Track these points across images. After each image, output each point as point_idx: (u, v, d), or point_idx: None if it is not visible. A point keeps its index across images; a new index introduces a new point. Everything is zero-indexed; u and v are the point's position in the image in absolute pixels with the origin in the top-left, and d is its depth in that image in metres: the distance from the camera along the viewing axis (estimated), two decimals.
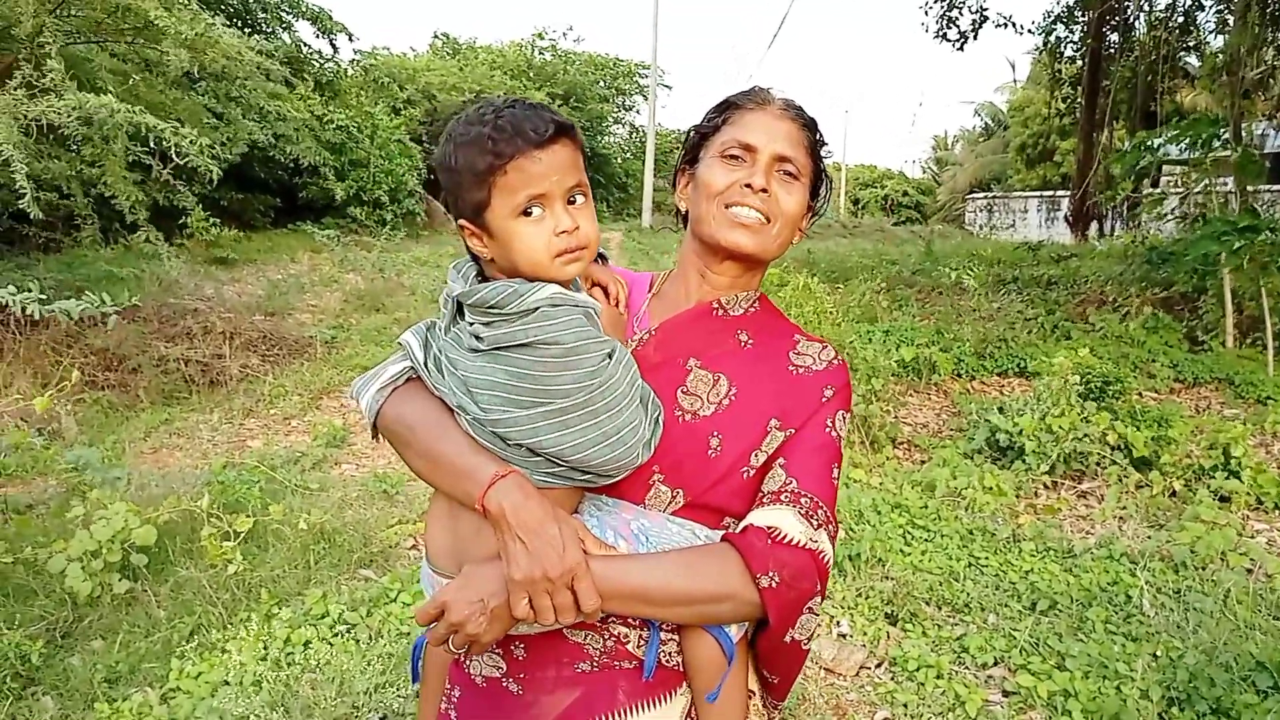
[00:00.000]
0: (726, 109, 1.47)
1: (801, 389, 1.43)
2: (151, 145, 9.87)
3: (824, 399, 1.42)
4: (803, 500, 1.33)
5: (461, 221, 1.29)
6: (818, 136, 1.48)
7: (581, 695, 1.34)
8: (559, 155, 1.24)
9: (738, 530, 1.33)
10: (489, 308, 1.24)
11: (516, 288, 1.24)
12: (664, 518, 1.35)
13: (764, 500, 1.35)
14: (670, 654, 1.37)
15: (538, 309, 1.22)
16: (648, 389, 1.32)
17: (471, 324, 1.28)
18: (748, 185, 1.39)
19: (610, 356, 1.26)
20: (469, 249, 1.33)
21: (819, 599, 1.34)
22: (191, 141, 8.28)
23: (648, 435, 1.28)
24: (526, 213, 1.24)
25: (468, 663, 1.43)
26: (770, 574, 1.27)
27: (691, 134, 1.53)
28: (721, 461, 1.37)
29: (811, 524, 1.32)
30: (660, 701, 1.37)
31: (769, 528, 1.30)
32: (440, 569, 1.35)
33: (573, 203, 1.28)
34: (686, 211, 1.51)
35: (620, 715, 1.34)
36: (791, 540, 1.29)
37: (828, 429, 1.41)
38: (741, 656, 1.40)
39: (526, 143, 1.21)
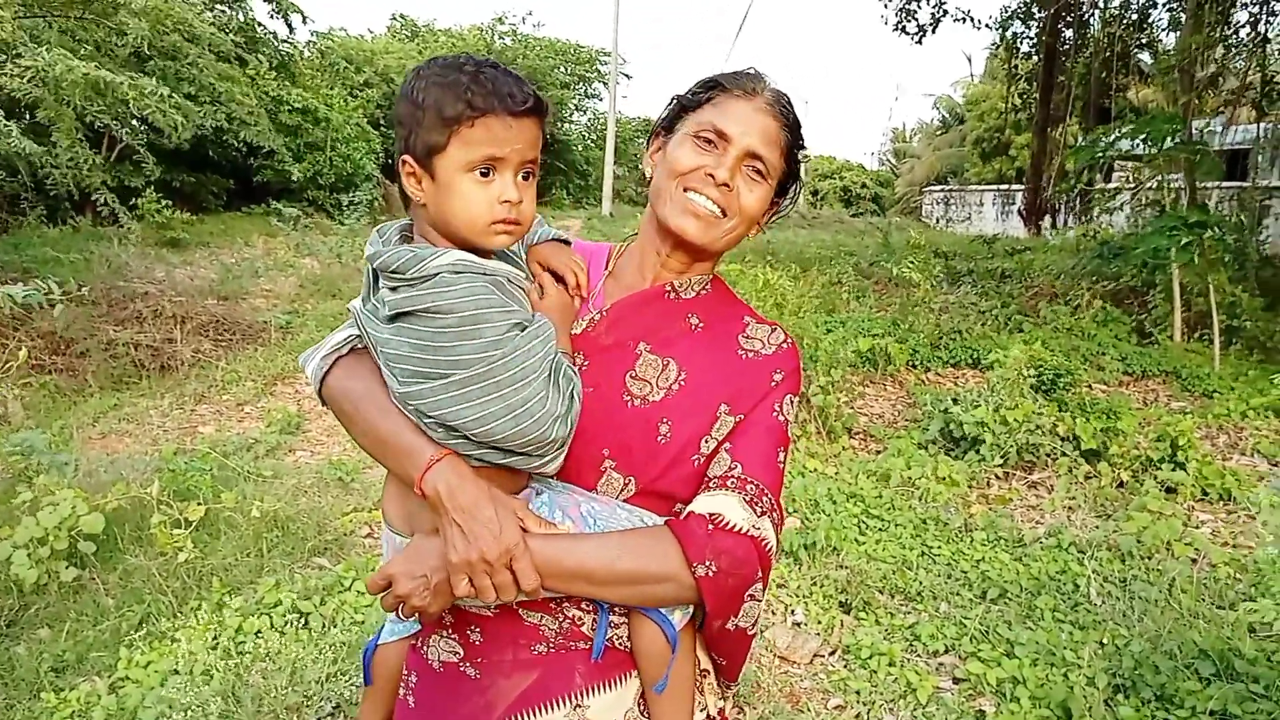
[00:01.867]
0: (714, 88, 1.43)
1: (751, 373, 1.42)
2: (111, 123, 9.68)
3: (773, 383, 1.42)
4: (748, 487, 1.33)
5: (406, 158, 1.26)
6: (797, 138, 1.45)
7: (539, 677, 1.34)
8: (527, 129, 1.25)
9: (682, 517, 1.33)
10: (391, 272, 1.23)
11: (417, 252, 1.22)
12: (614, 503, 1.35)
13: (709, 485, 1.34)
14: (624, 638, 1.37)
15: (437, 275, 1.20)
16: (563, 362, 1.29)
17: (380, 290, 1.27)
18: (710, 175, 1.37)
19: (520, 328, 1.24)
20: (401, 190, 1.30)
21: (760, 586, 1.33)
22: (161, 97, 8.09)
23: (561, 410, 1.24)
24: (478, 171, 1.24)
25: (424, 648, 1.43)
26: (707, 562, 1.27)
27: (673, 102, 1.49)
28: (670, 447, 1.36)
29: (755, 511, 1.31)
30: (616, 683, 1.38)
31: (711, 515, 1.30)
32: (396, 532, 1.36)
33: (523, 179, 1.28)
34: (651, 178, 1.49)
35: (577, 697, 1.34)
36: (734, 527, 1.29)
37: (775, 413, 1.41)
38: (690, 640, 1.40)
39: (502, 105, 1.21)
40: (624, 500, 1.36)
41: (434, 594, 1.24)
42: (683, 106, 1.46)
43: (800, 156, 1.47)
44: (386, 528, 1.40)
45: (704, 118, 1.40)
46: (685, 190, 1.39)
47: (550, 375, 1.24)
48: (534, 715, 1.33)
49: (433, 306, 1.20)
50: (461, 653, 1.38)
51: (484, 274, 1.24)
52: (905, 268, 9.85)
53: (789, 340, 1.49)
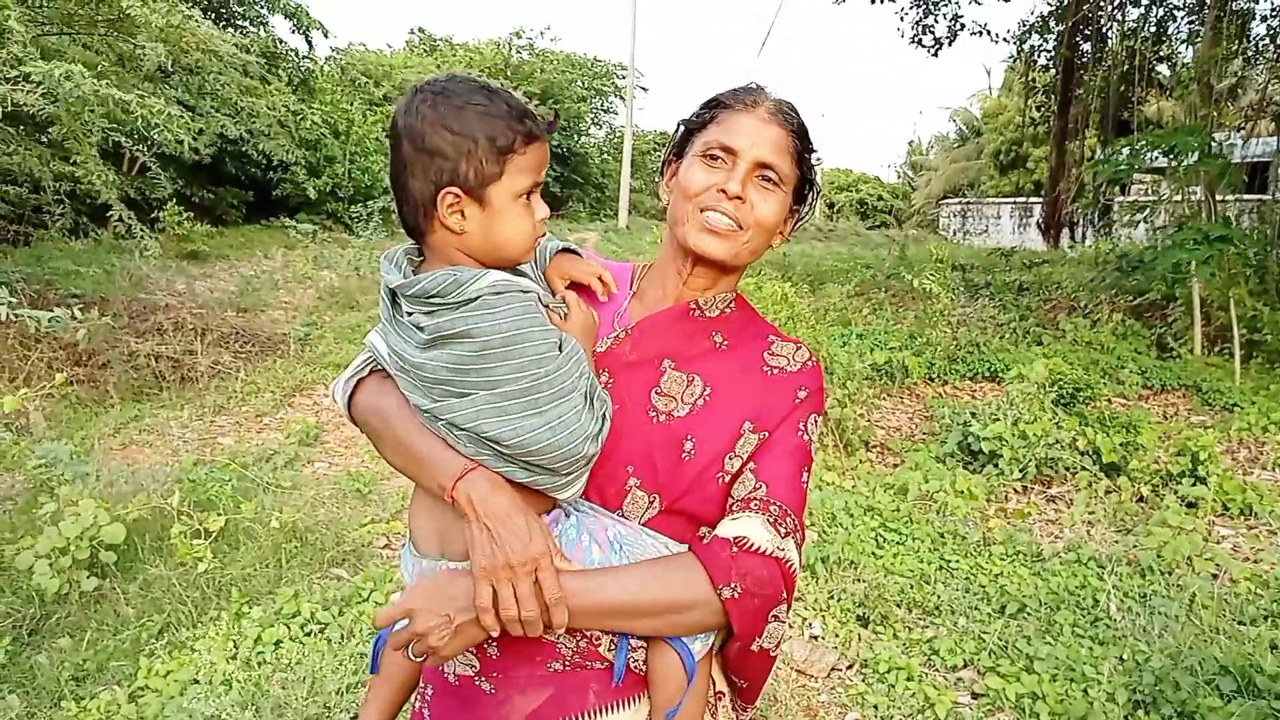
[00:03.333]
0: (716, 106, 1.44)
1: (776, 391, 1.42)
2: (123, 140, 9.79)
3: (797, 400, 1.42)
4: (772, 508, 1.33)
5: (455, 189, 1.24)
6: (806, 144, 1.45)
7: (553, 694, 1.34)
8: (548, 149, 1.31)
9: (706, 542, 1.33)
10: (429, 297, 1.24)
11: (457, 276, 1.23)
12: (640, 529, 1.35)
13: (733, 507, 1.35)
14: (640, 661, 1.37)
15: (479, 298, 1.22)
16: (595, 384, 1.31)
17: (411, 314, 1.27)
18: (722, 191, 1.38)
19: (559, 347, 1.26)
20: (413, 224, 1.31)
21: (785, 607, 1.34)
22: (169, 116, 8.16)
23: (595, 429, 1.26)
24: (525, 195, 1.28)
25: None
26: (733, 585, 1.27)
27: (679, 128, 1.51)
28: (695, 465, 1.36)
29: (779, 532, 1.32)
30: (631, 703, 1.37)
31: (735, 538, 1.30)
32: (424, 554, 1.36)
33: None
34: (668, 204, 1.50)
35: (591, 715, 1.34)
36: (758, 548, 1.30)
37: (799, 432, 1.41)
38: (704, 666, 1.40)
39: (539, 130, 1.27)
40: (648, 520, 1.37)
41: (455, 634, 1.24)
42: (689, 130, 1.48)
43: (812, 160, 1.48)
44: (409, 553, 1.40)
45: (710, 137, 1.42)
46: (701, 210, 1.40)
47: (585, 395, 1.26)
48: None
49: (476, 329, 1.20)
50: (478, 666, 1.38)
51: (524, 292, 1.26)
52: (926, 279, 9.82)
53: (814, 359, 1.49)
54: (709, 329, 1.48)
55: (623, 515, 1.37)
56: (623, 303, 1.53)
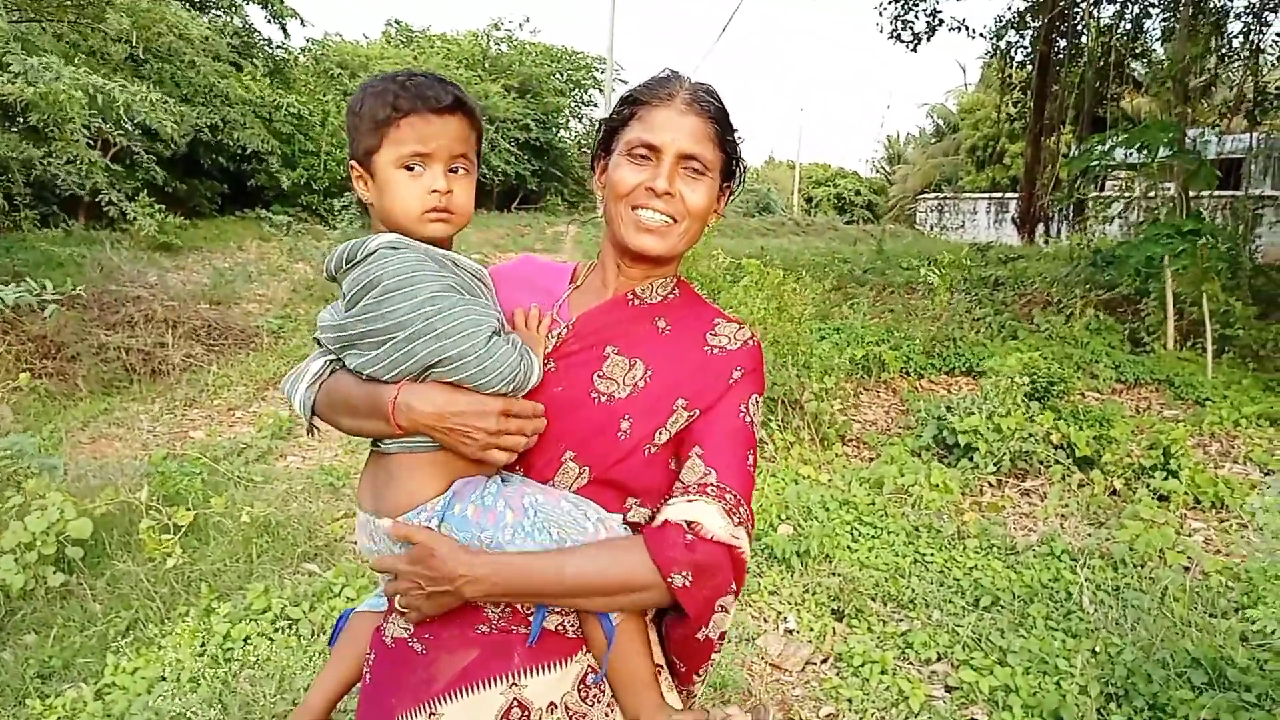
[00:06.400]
0: (634, 103, 1.48)
1: (712, 369, 1.47)
2: (104, 125, 9.67)
3: (732, 379, 1.46)
4: (727, 496, 1.37)
5: (353, 162, 1.43)
6: (726, 127, 1.48)
7: (479, 656, 1.40)
8: (450, 125, 1.38)
9: (657, 524, 1.37)
10: (346, 262, 1.37)
11: (362, 239, 1.38)
12: (560, 495, 1.40)
13: (688, 490, 1.38)
14: (565, 625, 1.42)
15: (376, 250, 1.34)
16: (517, 340, 1.38)
17: (342, 284, 1.40)
18: (651, 189, 1.42)
19: (458, 292, 1.34)
20: (359, 196, 1.47)
21: (732, 597, 1.38)
22: (153, 103, 8.10)
23: (505, 383, 1.34)
24: (408, 167, 1.37)
25: (384, 626, 1.51)
26: (683, 573, 1.32)
27: (600, 127, 1.56)
28: (628, 443, 1.42)
29: (733, 520, 1.36)
30: (555, 666, 1.42)
31: (689, 522, 1.34)
32: (363, 509, 1.47)
33: (454, 172, 1.41)
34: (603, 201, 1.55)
35: (514, 676, 1.40)
36: (711, 536, 1.33)
37: (741, 414, 1.45)
38: (638, 628, 1.44)
39: (424, 105, 1.35)
40: (577, 488, 1.43)
41: (428, 599, 1.35)
42: (611, 128, 1.52)
43: (734, 140, 1.51)
44: (360, 512, 1.49)
45: (632, 135, 1.46)
46: (634, 209, 1.45)
47: (494, 336, 1.33)
48: (472, 691, 1.39)
49: (373, 278, 1.31)
50: (411, 629, 1.45)
51: (421, 253, 1.36)
52: (930, 272, 9.83)
53: (754, 338, 1.54)
54: (651, 315, 1.53)
55: (553, 485, 1.43)
56: (562, 296, 1.58)
